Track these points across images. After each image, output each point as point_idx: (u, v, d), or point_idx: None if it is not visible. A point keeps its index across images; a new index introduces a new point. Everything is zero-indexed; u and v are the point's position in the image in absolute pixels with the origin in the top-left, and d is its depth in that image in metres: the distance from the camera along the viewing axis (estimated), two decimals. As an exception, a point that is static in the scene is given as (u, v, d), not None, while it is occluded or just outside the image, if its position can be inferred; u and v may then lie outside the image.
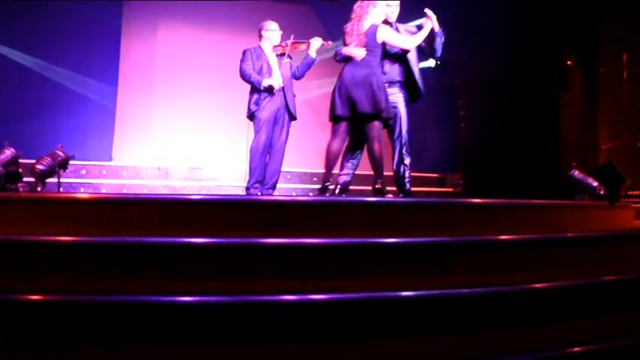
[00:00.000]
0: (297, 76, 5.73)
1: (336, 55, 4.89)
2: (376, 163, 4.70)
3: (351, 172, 4.97)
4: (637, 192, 6.95)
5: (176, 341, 2.52)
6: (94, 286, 2.66)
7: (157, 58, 8.84)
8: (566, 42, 7.96)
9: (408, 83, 5.00)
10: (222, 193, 7.54)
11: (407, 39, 4.85)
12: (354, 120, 4.72)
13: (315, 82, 8.53)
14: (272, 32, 5.72)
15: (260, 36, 5.77)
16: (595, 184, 4.40)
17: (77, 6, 7.97)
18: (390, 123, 4.84)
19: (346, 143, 4.91)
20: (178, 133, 8.59)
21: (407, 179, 5.01)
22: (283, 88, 5.55)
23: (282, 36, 5.73)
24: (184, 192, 7.65)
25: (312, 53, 5.63)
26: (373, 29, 4.71)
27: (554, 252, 3.36)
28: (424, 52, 5.05)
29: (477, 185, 7.59)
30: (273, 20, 5.83)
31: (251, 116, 5.58)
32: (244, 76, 5.58)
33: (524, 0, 7.38)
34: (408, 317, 2.70)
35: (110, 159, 8.21)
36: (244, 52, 5.69)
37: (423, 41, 4.88)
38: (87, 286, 2.66)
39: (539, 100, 7.72)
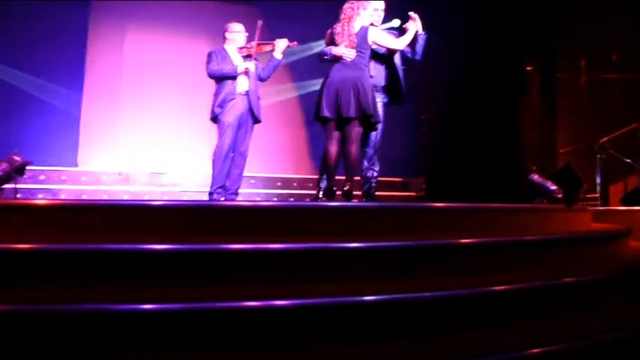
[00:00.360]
0: (262, 78, 5.69)
1: (323, 54, 4.86)
2: (350, 166, 4.70)
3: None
4: (594, 195, 7.12)
5: (138, 349, 2.47)
6: (53, 294, 2.59)
7: (124, 62, 8.73)
8: (525, 48, 8.12)
9: (390, 87, 5.07)
10: (184, 198, 7.47)
11: (396, 40, 4.91)
12: (338, 121, 4.72)
13: (276, 87, 8.57)
14: (237, 34, 5.66)
15: (224, 38, 5.71)
16: (553, 187, 4.50)
17: (41, 6, 7.79)
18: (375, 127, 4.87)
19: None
20: (141, 137, 8.49)
21: (373, 185, 5.05)
22: (248, 91, 5.51)
23: (247, 37, 5.70)
24: (146, 197, 7.56)
25: (278, 55, 5.60)
26: (364, 30, 4.75)
27: (514, 254, 3.42)
28: (406, 55, 5.10)
29: (440, 189, 7.68)
30: (226, 21, 5.72)
31: (214, 119, 5.52)
32: (214, 73, 5.49)
33: (484, 6, 7.52)
34: (371, 321, 2.70)
35: (76, 165, 8.07)
36: (209, 54, 5.61)
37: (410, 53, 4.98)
38: (46, 295, 2.59)
39: (499, 105, 7.85)
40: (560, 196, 4.42)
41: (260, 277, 2.85)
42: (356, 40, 4.70)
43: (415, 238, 3.27)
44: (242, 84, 5.47)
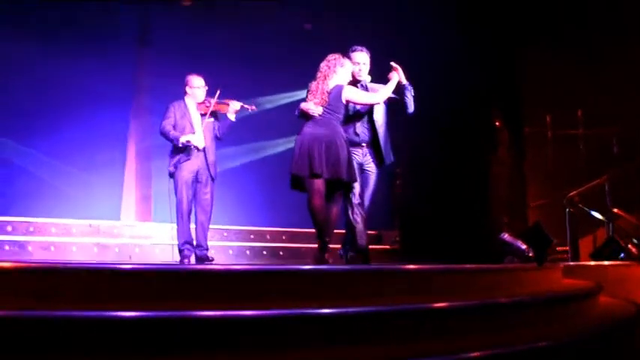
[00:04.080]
0: (218, 137, 5.72)
1: (297, 110, 4.81)
2: (330, 228, 4.67)
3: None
4: (564, 248, 7.20)
5: None
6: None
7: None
8: (493, 104, 8.30)
9: (372, 146, 4.93)
10: (156, 251, 7.35)
11: (373, 95, 4.77)
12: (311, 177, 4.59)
13: (252, 144, 8.66)
14: (197, 90, 5.68)
15: (185, 91, 5.72)
16: (524, 246, 4.53)
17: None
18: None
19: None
20: (110, 187, 8.42)
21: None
22: (205, 147, 5.52)
23: (206, 92, 5.71)
24: (117, 250, 7.42)
25: (231, 116, 5.64)
26: (338, 89, 4.67)
27: (487, 317, 3.40)
28: (395, 108, 4.95)
29: (413, 242, 7.68)
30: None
31: (171, 175, 5.54)
32: (163, 132, 5.55)
33: (451, 66, 7.70)
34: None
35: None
36: (168, 107, 5.63)
37: (394, 98, 4.81)
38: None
39: (469, 159, 7.95)
40: (530, 254, 4.46)
41: (231, 344, 2.80)
42: (328, 99, 4.64)
43: (389, 303, 3.24)
44: (199, 141, 5.48)
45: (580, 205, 6.93)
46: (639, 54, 7.76)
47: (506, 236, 4.68)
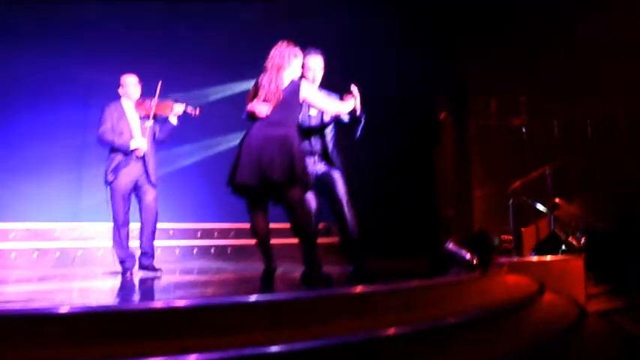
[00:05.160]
0: (158, 141, 5.50)
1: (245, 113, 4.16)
2: (305, 235, 4.02)
3: None
4: (508, 237, 7.34)
5: None
6: None
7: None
8: (437, 93, 8.33)
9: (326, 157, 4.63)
10: (99, 254, 7.12)
11: (331, 102, 4.30)
12: (261, 189, 3.92)
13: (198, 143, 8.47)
14: (129, 88, 5.39)
15: (118, 92, 5.42)
16: (468, 255, 4.56)
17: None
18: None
19: None
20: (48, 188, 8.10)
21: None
22: (144, 154, 5.31)
23: (141, 88, 5.42)
24: (57, 254, 7.17)
25: (173, 120, 5.40)
26: (295, 84, 4.06)
27: (435, 338, 3.41)
28: (342, 128, 4.67)
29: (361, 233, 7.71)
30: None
31: (109, 184, 5.31)
32: (105, 141, 5.24)
33: (393, 57, 7.68)
34: None
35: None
36: (103, 110, 5.30)
37: (343, 121, 4.54)
38: None
39: (414, 153, 7.99)
40: (475, 262, 4.50)
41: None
42: (282, 96, 3.99)
43: (336, 332, 3.19)
44: (141, 148, 5.26)
45: (523, 197, 7.06)
46: (582, 40, 7.87)
47: (451, 246, 4.70)
